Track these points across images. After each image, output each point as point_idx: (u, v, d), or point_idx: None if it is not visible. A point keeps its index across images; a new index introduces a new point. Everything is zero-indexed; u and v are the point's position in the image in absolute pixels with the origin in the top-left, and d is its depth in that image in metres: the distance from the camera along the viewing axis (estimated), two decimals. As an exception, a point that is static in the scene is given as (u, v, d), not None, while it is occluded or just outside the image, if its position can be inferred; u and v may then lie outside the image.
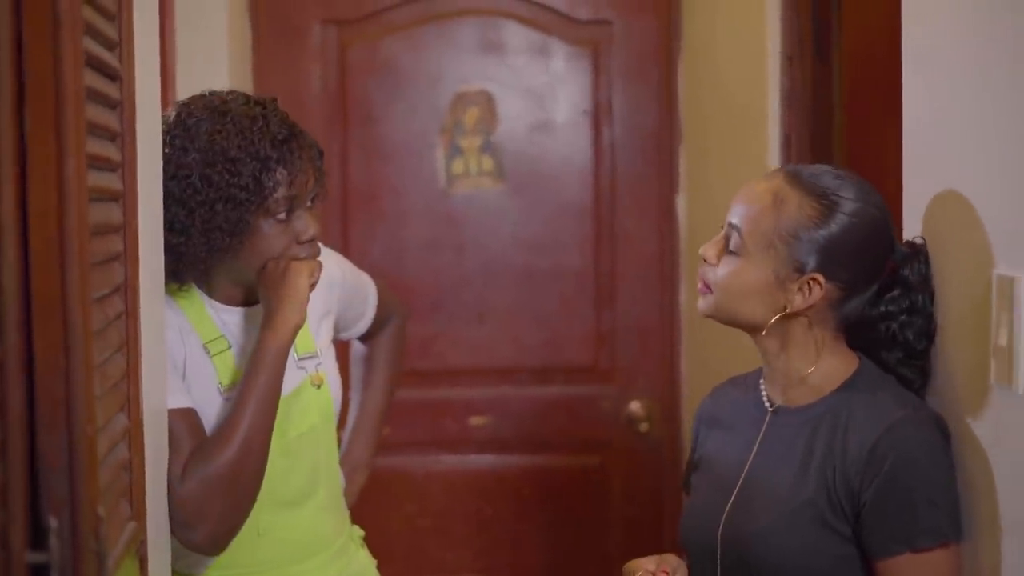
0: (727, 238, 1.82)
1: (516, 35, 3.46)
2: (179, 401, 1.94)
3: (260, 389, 1.93)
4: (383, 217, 3.46)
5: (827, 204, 1.77)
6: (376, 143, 3.45)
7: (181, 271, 1.97)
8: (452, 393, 3.51)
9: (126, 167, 1.57)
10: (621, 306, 3.50)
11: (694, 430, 2.03)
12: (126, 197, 1.57)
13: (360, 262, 3.38)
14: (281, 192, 1.94)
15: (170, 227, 1.92)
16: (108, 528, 1.36)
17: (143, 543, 1.63)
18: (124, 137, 1.56)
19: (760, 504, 1.81)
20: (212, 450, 1.91)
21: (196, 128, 1.94)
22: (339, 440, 2.27)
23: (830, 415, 1.79)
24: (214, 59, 3.05)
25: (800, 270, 1.78)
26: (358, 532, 2.27)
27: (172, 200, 1.92)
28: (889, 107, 2.02)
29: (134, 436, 1.59)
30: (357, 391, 2.52)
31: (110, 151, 1.52)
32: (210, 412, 1.99)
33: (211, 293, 2.04)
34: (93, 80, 1.42)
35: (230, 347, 2.03)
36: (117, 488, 1.51)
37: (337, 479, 2.20)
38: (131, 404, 1.58)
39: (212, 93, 2.01)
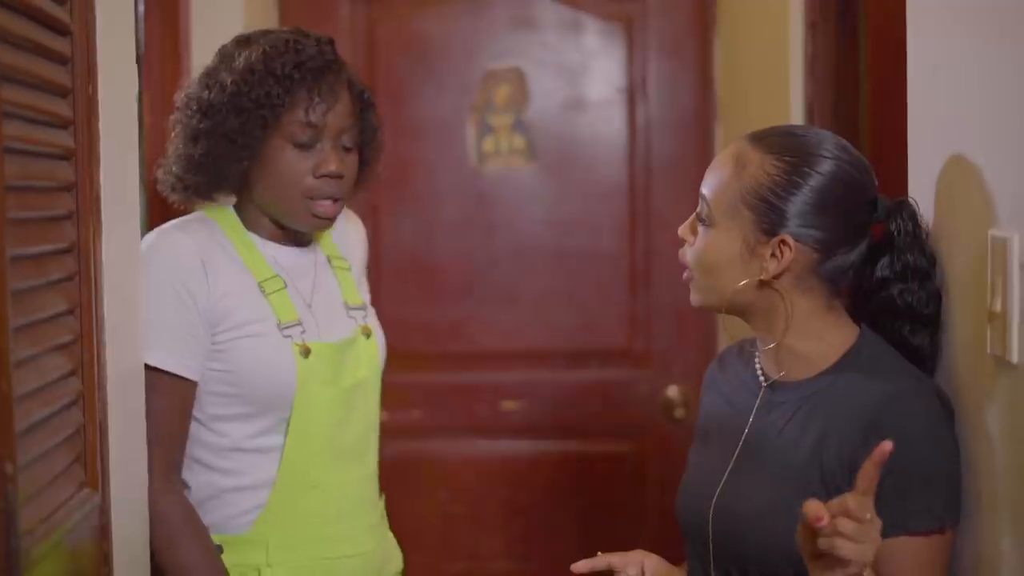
0: (699, 213, 1.75)
1: (547, 11, 3.39)
2: (177, 366, 1.92)
3: None
4: (413, 196, 3.41)
5: (789, 162, 1.69)
6: (405, 121, 3.39)
7: (206, 186, 2.00)
8: (483, 377, 3.45)
9: (78, 124, 1.52)
10: (656, 289, 3.42)
11: (701, 397, 1.95)
12: (79, 155, 1.53)
13: (390, 242, 3.37)
14: (299, 116, 1.94)
15: (194, 138, 1.96)
16: (27, 487, 1.31)
17: (102, 511, 1.59)
18: (76, 94, 1.52)
19: (751, 484, 1.73)
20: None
21: (234, 52, 1.98)
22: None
23: (826, 391, 1.70)
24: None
25: (769, 233, 1.69)
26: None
27: (199, 113, 1.95)
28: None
29: (88, 400, 1.55)
30: None
31: (59, 107, 1.48)
32: (270, 350, 1.97)
33: (256, 228, 2.04)
34: (32, 32, 1.39)
35: (285, 286, 2.02)
36: (63, 452, 1.47)
37: (377, 446, 2.16)
38: (85, 368, 1.54)
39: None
